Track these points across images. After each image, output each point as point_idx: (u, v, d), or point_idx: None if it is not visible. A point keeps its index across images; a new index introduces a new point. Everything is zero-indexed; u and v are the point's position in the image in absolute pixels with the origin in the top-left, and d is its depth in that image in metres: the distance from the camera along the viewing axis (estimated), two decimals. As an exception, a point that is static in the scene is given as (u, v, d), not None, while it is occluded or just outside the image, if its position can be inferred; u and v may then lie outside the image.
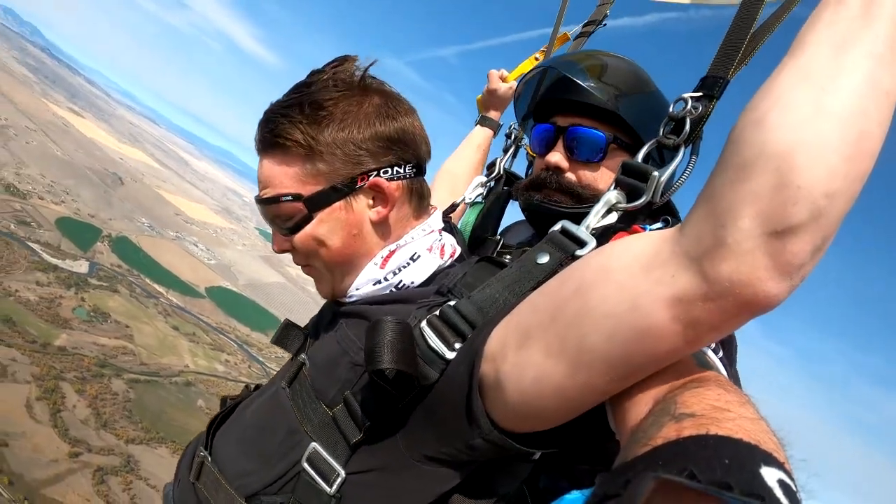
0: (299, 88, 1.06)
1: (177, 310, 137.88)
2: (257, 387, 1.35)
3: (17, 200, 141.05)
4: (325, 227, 1.07)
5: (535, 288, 0.88)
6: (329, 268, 1.13)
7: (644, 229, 1.12)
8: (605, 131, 1.33)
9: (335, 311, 1.18)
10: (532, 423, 0.83)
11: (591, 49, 1.64)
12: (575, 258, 0.91)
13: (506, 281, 0.93)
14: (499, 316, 0.86)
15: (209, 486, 1.11)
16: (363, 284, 1.10)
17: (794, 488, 0.42)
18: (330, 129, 1.02)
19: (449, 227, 1.28)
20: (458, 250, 1.22)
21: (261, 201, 1.09)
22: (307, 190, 1.05)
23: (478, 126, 2.04)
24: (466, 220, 1.74)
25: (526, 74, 1.55)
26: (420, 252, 1.11)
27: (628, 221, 1.09)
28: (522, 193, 1.46)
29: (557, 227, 0.98)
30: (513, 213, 1.77)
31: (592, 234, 0.96)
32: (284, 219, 1.08)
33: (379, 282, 1.09)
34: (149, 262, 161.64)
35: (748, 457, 0.44)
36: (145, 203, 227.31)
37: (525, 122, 1.67)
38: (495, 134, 2.04)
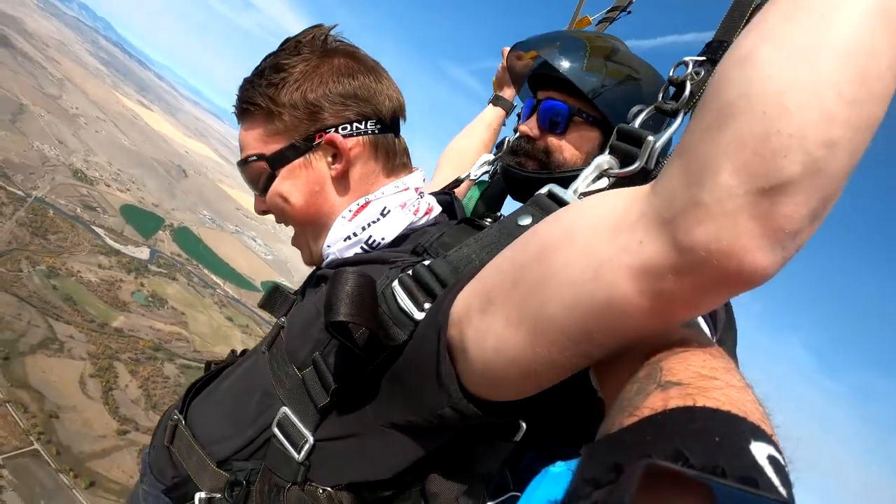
0: (266, 57, 1.21)
1: (232, 301, 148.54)
2: (244, 352, 1.44)
3: (84, 186, 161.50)
4: (288, 183, 1.21)
5: None
6: (301, 228, 1.28)
7: None
8: (572, 103, 1.54)
9: (318, 274, 1.29)
10: (500, 392, 0.85)
11: (591, 32, 1.83)
12: None
13: (483, 241, 0.97)
14: (467, 277, 0.88)
15: (182, 449, 1.21)
16: (334, 241, 1.20)
17: (782, 463, 0.44)
18: (286, 89, 1.15)
19: (450, 198, 1.40)
20: (437, 210, 1.30)
21: (238, 164, 1.26)
22: (269, 149, 1.19)
23: (490, 105, 2.27)
24: (471, 195, 1.96)
25: (524, 49, 1.77)
26: (390, 207, 1.19)
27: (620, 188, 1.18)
28: (503, 160, 1.68)
29: (544, 190, 1.03)
30: None
31: (580, 198, 1.01)
32: (255, 179, 1.25)
33: (349, 237, 1.18)
34: (208, 254, 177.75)
35: (736, 431, 0.46)
36: (207, 196, 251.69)
37: (518, 93, 1.98)
38: (508, 114, 2.24)
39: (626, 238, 0.63)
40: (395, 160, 1.25)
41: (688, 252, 0.57)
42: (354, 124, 1.17)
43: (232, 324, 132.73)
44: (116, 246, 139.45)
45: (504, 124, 2.26)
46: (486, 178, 1.99)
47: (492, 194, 1.89)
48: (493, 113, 2.25)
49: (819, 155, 0.53)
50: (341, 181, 1.21)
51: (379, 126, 1.20)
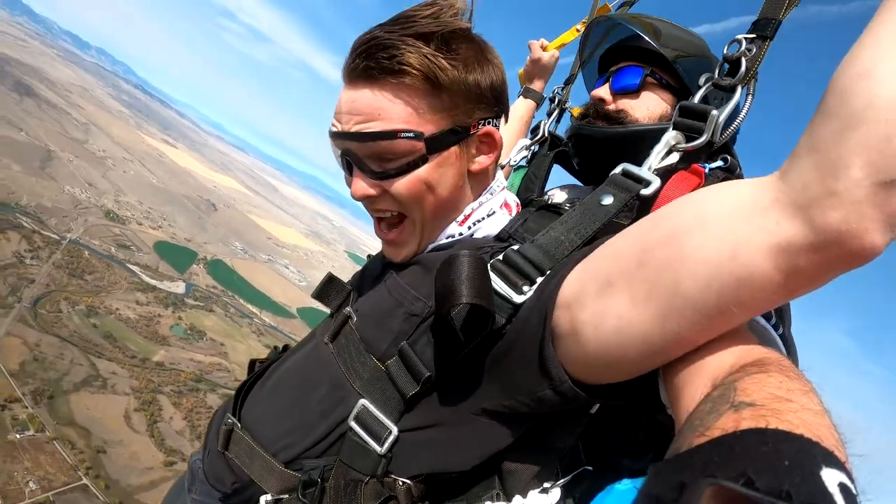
0: (415, 19, 1.09)
1: (269, 329, 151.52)
2: (286, 348, 1.47)
3: (116, 226, 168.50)
4: (439, 172, 1.14)
5: (600, 229, 0.99)
6: (425, 221, 1.20)
7: (704, 167, 1.26)
8: (645, 67, 1.63)
9: (385, 262, 1.29)
10: (607, 374, 0.89)
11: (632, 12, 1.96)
12: (640, 197, 1.04)
13: (569, 223, 1.02)
14: (572, 261, 0.94)
15: (242, 454, 1.19)
16: (444, 238, 1.22)
17: (853, 491, 0.45)
18: (457, 68, 1.10)
19: None
20: (519, 205, 1.38)
21: (363, 136, 1.11)
22: (427, 129, 1.11)
23: (520, 97, 2.35)
24: (511, 182, 2.03)
25: (591, 25, 1.89)
26: (495, 208, 1.26)
27: (688, 162, 1.23)
28: (572, 125, 1.76)
29: (618, 169, 1.10)
30: (557, 176, 1.94)
31: (655, 174, 1.09)
32: (392, 158, 1.12)
33: (452, 236, 1.22)
34: (242, 284, 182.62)
35: (808, 456, 0.47)
36: (238, 227, 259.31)
37: (571, 83, 2.15)
38: (538, 106, 2.33)
39: (761, 220, 0.72)
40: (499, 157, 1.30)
41: (823, 232, 0.68)
42: (494, 119, 1.20)
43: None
44: (152, 282, 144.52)
45: (534, 115, 2.37)
46: (523, 163, 2.10)
47: (532, 175, 1.96)
48: (524, 105, 2.33)
49: None
50: (479, 176, 1.22)
51: (506, 120, 1.26)
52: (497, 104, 1.20)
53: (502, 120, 1.24)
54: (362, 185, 1.17)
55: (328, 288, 1.38)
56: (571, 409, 0.96)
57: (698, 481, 0.43)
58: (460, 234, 1.21)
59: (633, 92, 1.64)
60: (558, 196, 1.79)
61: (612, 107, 1.66)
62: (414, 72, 1.07)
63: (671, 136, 1.19)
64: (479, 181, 1.24)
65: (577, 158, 1.76)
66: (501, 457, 1.07)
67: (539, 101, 2.34)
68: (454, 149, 1.15)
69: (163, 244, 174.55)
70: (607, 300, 0.84)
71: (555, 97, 2.31)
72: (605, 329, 0.84)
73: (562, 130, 2.19)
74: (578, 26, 2.32)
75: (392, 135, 1.09)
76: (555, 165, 1.94)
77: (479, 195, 1.25)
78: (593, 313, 0.85)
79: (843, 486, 0.45)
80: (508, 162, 1.99)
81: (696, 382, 0.76)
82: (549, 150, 1.96)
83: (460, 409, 1.02)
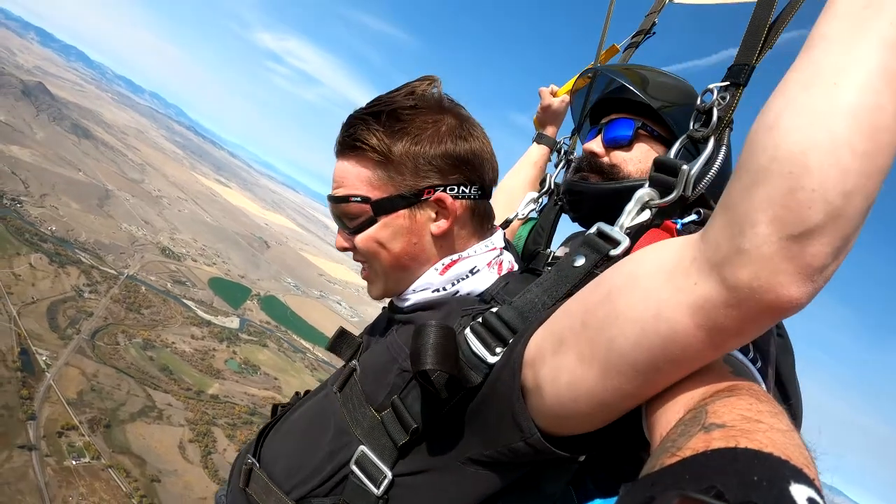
0: (381, 99, 1.36)
1: (322, 363, 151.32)
2: (307, 393, 1.63)
3: (172, 262, 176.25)
4: (388, 231, 1.34)
5: (572, 290, 1.08)
6: (385, 271, 1.40)
7: (676, 223, 1.35)
8: (636, 120, 1.72)
9: (389, 317, 1.47)
10: (570, 426, 1.01)
11: (638, 63, 2.05)
12: (609, 258, 1.11)
13: (544, 285, 1.15)
14: (537, 322, 1.07)
15: (259, 491, 1.36)
16: (420, 288, 1.36)
17: None
18: (404, 141, 1.29)
19: (504, 242, 1.53)
20: (515, 268, 1.48)
21: (331, 199, 1.38)
22: (375, 194, 1.32)
23: (534, 143, 2.51)
24: (520, 234, 2.18)
25: (575, 85, 2.05)
26: (479, 266, 1.36)
27: (662, 217, 1.29)
28: (565, 181, 1.86)
29: (593, 229, 1.19)
30: (565, 227, 2.04)
31: (626, 233, 1.17)
32: (350, 218, 1.37)
33: (437, 290, 1.35)
34: (295, 319, 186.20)
35: (777, 473, 0.51)
36: (290, 264, 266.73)
37: (578, 133, 2.18)
38: (552, 150, 2.47)
39: (681, 280, 0.80)
40: (486, 224, 1.43)
41: (735, 289, 0.74)
42: (461, 187, 1.33)
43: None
44: (207, 317, 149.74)
45: (550, 159, 2.49)
46: (533, 214, 2.19)
47: (540, 227, 2.07)
48: (538, 151, 2.47)
49: (838, 204, 0.69)
50: (441, 239, 1.36)
51: (480, 192, 1.38)
52: (456, 171, 1.32)
53: (471, 188, 1.35)
54: (339, 238, 1.44)
55: (340, 341, 1.56)
56: (554, 458, 1.06)
57: (667, 493, 0.46)
58: (443, 287, 1.35)
59: (626, 145, 1.73)
60: (562, 251, 1.90)
61: (605, 160, 1.74)
62: (366, 146, 1.30)
63: (644, 193, 1.25)
64: (448, 244, 1.37)
65: (572, 213, 1.87)
66: (495, 501, 1.19)
67: (552, 146, 2.46)
68: (403, 212, 1.33)
69: (217, 280, 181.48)
70: (560, 358, 0.95)
71: (560, 147, 2.40)
72: (560, 385, 0.95)
73: None
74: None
75: (345, 199, 1.34)
76: (563, 215, 2.04)
77: (450, 252, 1.38)
78: (550, 369, 0.97)
79: (812, 501, 0.48)
80: (517, 215, 2.05)
81: (671, 411, 0.83)
82: (555, 202, 2.07)
83: (447, 457, 1.17)
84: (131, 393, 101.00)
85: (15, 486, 68.71)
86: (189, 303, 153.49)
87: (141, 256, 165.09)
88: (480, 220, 1.41)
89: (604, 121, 1.82)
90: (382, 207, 1.33)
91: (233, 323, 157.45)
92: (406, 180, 1.32)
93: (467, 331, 1.14)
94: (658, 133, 1.71)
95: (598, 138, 1.78)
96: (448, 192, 1.32)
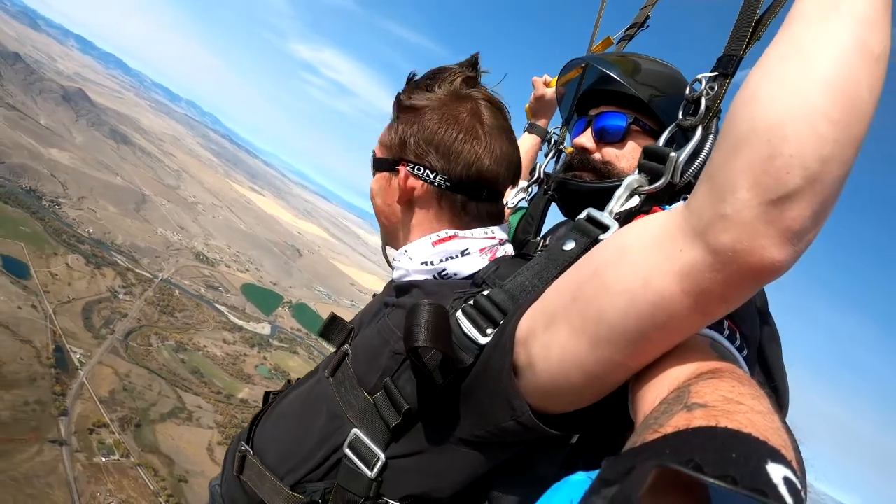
0: (425, 74, 1.52)
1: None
2: (298, 380, 1.67)
3: (206, 267, 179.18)
4: (376, 185, 1.54)
5: (561, 273, 1.10)
6: (377, 219, 1.58)
7: (664, 209, 1.34)
8: (628, 114, 1.74)
9: (382, 302, 1.54)
10: (562, 402, 1.06)
11: (630, 52, 2.08)
12: (598, 242, 1.14)
13: (535, 269, 1.19)
14: (528, 302, 1.10)
15: (253, 478, 1.40)
16: (415, 256, 1.42)
17: (798, 486, 0.51)
18: (407, 116, 1.46)
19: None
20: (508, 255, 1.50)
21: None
22: (378, 153, 1.54)
23: (525, 133, 2.59)
24: (510, 223, 2.13)
25: (563, 74, 2.07)
26: (471, 250, 1.41)
27: (651, 203, 1.33)
28: (556, 177, 1.88)
29: (583, 214, 1.23)
30: (554, 216, 2.10)
31: (616, 219, 1.21)
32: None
33: (426, 262, 1.40)
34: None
35: (755, 451, 0.54)
36: (322, 273, 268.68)
37: (569, 124, 2.18)
38: (543, 140, 2.55)
39: (668, 249, 0.85)
40: (463, 218, 1.45)
41: (718, 254, 0.78)
42: (426, 171, 1.41)
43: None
44: (239, 322, 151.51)
45: (540, 149, 2.57)
46: (523, 203, 2.30)
47: (529, 216, 2.12)
48: (529, 140, 2.55)
49: (816, 169, 0.73)
50: (406, 209, 1.48)
51: (448, 183, 1.41)
52: (427, 156, 1.42)
53: (435, 176, 1.41)
54: None
55: (332, 327, 1.60)
56: (545, 436, 1.10)
57: (646, 464, 0.48)
58: (431, 261, 1.40)
59: (618, 141, 1.75)
60: (554, 237, 1.97)
61: (597, 156, 1.76)
62: (393, 111, 1.54)
63: (634, 180, 1.30)
64: (414, 215, 1.47)
65: (564, 209, 1.90)
66: (488, 485, 1.24)
67: (543, 135, 2.55)
68: (384, 174, 1.51)
69: (250, 287, 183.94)
70: (552, 334, 0.99)
71: (551, 137, 2.44)
72: (552, 359, 0.99)
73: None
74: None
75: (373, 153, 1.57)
76: (551, 204, 2.07)
77: (424, 230, 1.46)
78: (542, 345, 1.01)
79: (787, 480, 0.50)
80: (506, 204, 2.01)
81: (655, 391, 0.86)
82: (545, 192, 2.09)
83: (439, 438, 1.20)
84: (162, 394, 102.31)
85: (45, 480, 69.81)
86: (221, 308, 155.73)
87: (175, 261, 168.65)
88: (452, 211, 1.45)
89: (593, 112, 1.82)
90: (376, 164, 1.53)
91: (264, 329, 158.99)
92: (394, 150, 1.48)
93: (458, 313, 1.18)
94: (650, 127, 1.73)
95: (589, 132, 1.80)
96: (413, 170, 1.42)
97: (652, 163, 1.32)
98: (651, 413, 0.76)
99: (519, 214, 2.25)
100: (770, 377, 1.42)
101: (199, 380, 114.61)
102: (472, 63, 1.53)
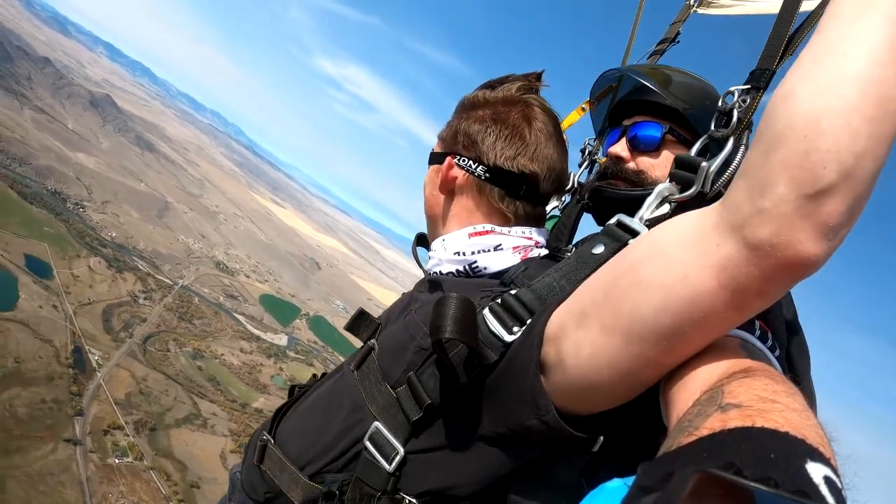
0: (490, 81, 1.63)
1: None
2: (324, 374, 1.70)
3: (226, 276, 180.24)
4: (428, 176, 1.65)
5: (590, 275, 1.12)
6: (425, 212, 1.67)
7: None
8: (663, 124, 1.75)
9: (410, 297, 1.59)
10: (592, 401, 1.06)
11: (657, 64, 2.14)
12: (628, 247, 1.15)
13: (563, 270, 1.21)
14: (558, 300, 1.12)
15: (273, 467, 1.44)
16: (450, 246, 1.50)
17: (839, 485, 0.51)
18: (461, 115, 1.58)
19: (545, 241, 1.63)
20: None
21: None
22: (436, 147, 1.66)
23: None
24: None
25: (600, 86, 2.07)
26: (504, 246, 1.46)
27: (681, 212, 1.34)
28: (591, 185, 1.88)
29: (613, 220, 1.25)
30: (587, 225, 2.12)
31: (646, 225, 1.23)
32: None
33: (459, 252, 1.47)
34: (342, 341, 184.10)
35: (793, 451, 0.53)
36: (340, 286, 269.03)
37: (603, 135, 2.15)
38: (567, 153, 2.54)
39: (705, 244, 0.87)
40: (502, 212, 1.51)
41: (756, 248, 0.80)
42: (469, 161, 1.51)
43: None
44: (257, 332, 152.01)
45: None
46: (556, 212, 2.34)
47: (562, 225, 2.18)
48: None
49: (850, 163, 0.76)
50: (448, 198, 1.57)
51: (488, 175, 1.49)
52: (472, 148, 1.52)
53: (476, 165, 1.51)
54: None
55: (359, 322, 1.62)
56: (568, 437, 1.10)
57: (685, 469, 0.47)
58: (464, 252, 1.47)
59: (653, 150, 1.77)
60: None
61: (631, 165, 1.77)
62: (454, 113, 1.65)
63: (665, 188, 1.34)
64: (455, 204, 1.56)
65: (598, 217, 1.90)
66: (507, 489, 1.25)
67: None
68: (435, 166, 1.60)
69: (268, 297, 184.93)
70: (583, 330, 1.00)
71: (585, 148, 2.45)
72: (583, 356, 1.00)
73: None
74: (584, 105, 2.49)
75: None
76: (584, 214, 2.13)
77: (463, 220, 1.54)
78: (573, 342, 1.02)
79: (827, 479, 0.50)
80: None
81: (688, 392, 0.87)
82: (577, 201, 2.15)
83: (460, 435, 1.21)
84: (178, 399, 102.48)
85: (57, 478, 69.96)
86: (240, 317, 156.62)
87: (196, 268, 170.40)
88: (490, 204, 1.51)
89: (627, 122, 1.85)
90: (431, 157, 1.65)
91: (281, 340, 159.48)
92: (447, 143, 1.59)
93: (485, 311, 1.19)
94: (684, 137, 1.75)
95: (623, 142, 1.81)
96: (458, 161, 1.52)
97: (683, 172, 1.36)
98: (685, 415, 0.76)
99: (551, 223, 2.28)
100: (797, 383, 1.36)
101: (215, 387, 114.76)
102: (537, 75, 1.62)
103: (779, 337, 1.25)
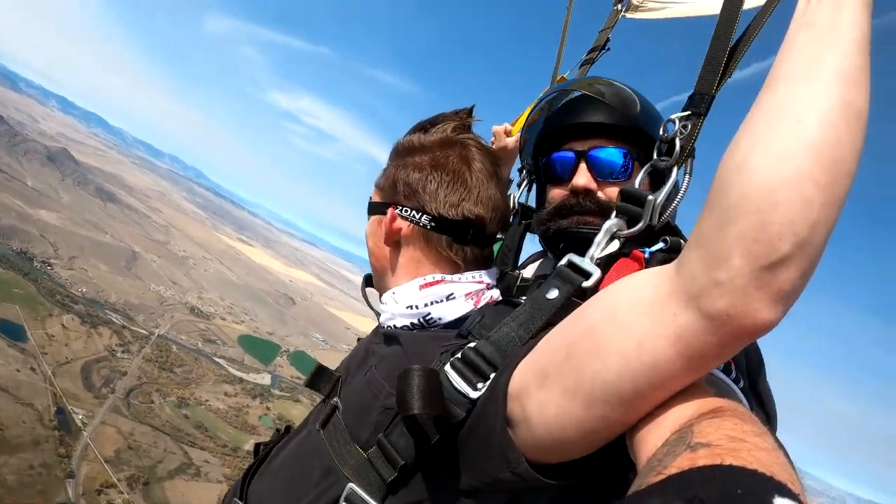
0: (421, 123, 1.63)
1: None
2: (287, 429, 1.70)
3: (201, 321, 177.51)
4: (369, 228, 1.64)
5: (547, 323, 1.15)
6: (370, 263, 1.66)
7: (644, 252, 1.41)
8: (627, 148, 1.68)
9: (366, 348, 1.57)
10: (559, 454, 1.07)
11: (595, 76, 2.05)
12: (581, 290, 1.18)
13: (520, 319, 1.21)
14: (519, 355, 1.13)
15: None
16: (401, 299, 1.47)
17: None
18: (396, 162, 1.58)
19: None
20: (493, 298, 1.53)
21: None
22: (374, 197, 1.65)
23: None
24: None
25: (540, 100, 1.95)
26: (457, 294, 1.46)
27: (631, 247, 1.34)
28: (546, 223, 1.77)
29: (564, 261, 1.26)
30: (530, 247, 2.10)
31: (597, 264, 1.23)
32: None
33: (412, 306, 1.45)
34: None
35: (761, 487, 0.54)
36: (317, 319, 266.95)
37: (535, 154, 2.00)
38: (508, 186, 2.44)
39: (660, 313, 0.88)
40: (450, 260, 1.51)
41: (713, 318, 0.82)
42: (412, 212, 1.49)
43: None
44: (239, 374, 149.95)
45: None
46: (498, 236, 2.17)
47: (506, 248, 2.10)
48: None
49: (805, 234, 0.78)
50: (394, 250, 1.55)
51: (433, 224, 1.48)
52: (413, 198, 1.50)
53: (420, 216, 1.49)
54: None
55: (318, 377, 1.60)
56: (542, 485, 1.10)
57: None
58: (417, 305, 1.44)
59: (624, 179, 1.67)
60: (528, 271, 1.99)
61: (601, 195, 1.67)
62: (389, 160, 1.65)
63: (613, 224, 1.32)
64: (402, 256, 1.54)
65: (556, 257, 1.76)
66: None
67: (507, 184, 2.33)
68: (376, 216, 1.59)
69: (247, 338, 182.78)
70: (545, 391, 1.01)
71: (524, 167, 2.34)
72: (548, 416, 1.01)
73: (532, 201, 2.31)
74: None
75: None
76: (527, 235, 2.07)
77: (410, 271, 1.52)
78: (537, 402, 1.03)
79: None
80: None
81: (657, 433, 0.88)
82: (520, 222, 2.07)
83: (436, 490, 1.22)
84: (168, 451, 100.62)
85: (57, 544, 68.08)
86: (220, 360, 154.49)
87: (171, 316, 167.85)
88: (438, 253, 1.50)
89: (581, 148, 1.73)
90: (371, 207, 1.63)
91: (264, 379, 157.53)
92: (386, 192, 1.57)
93: (447, 367, 1.19)
94: (645, 160, 1.59)
95: (586, 172, 1.70)
96: (401, 212, 1.50)
97: (629, 205, 1.34)
98: (654, 455, 0.78)
99: (496, 246, 2.15)
100: (761, 402, 1.42)
101: (204, 434, 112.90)
102: (468, 111, 1.62)
103: (741, 367, 1.25)
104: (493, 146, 2.47)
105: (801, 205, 0.77)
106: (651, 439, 0.88)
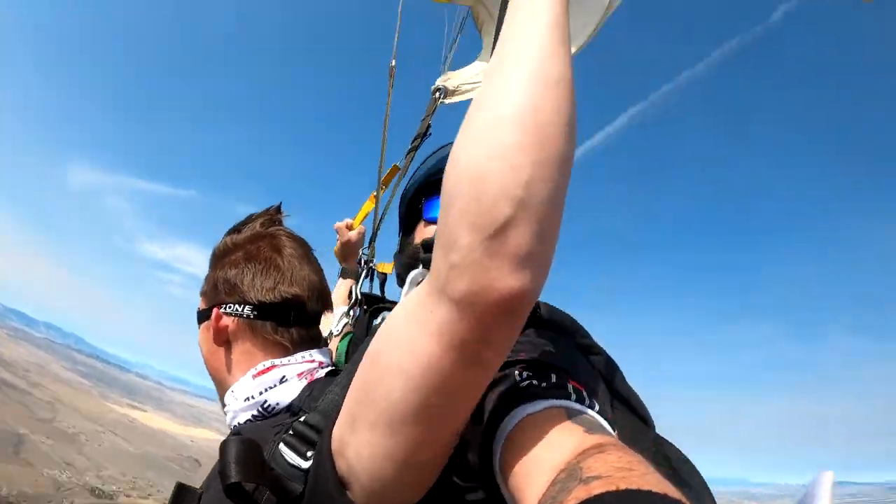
0: (235, 226, 1.73)
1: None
2: None
3: (105, 502, 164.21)
4: (201, 336, 1.66)
5: None
6: (209, 375, 1.69)
7: None
8: None
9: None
10: (394, 499, 1.06)
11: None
12: None
13: (342, 383, 1.24)
14: (334, 416, 1.13)
15: None
16: (239, 394, 1.49)
17: None
18: (216, 265, 1.66)
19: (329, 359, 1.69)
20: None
21: None
22: (200, 305, 1.69)
23: (340, 279, 2.85)
24: (339, 350, 2.33)
25: (423, 161, 2.11)
26: (289, 376, 1.50)
27: None
28: (424, 253, 1.73)
29: (378, 318, 1.33)
30: None
31: None
32: None
33: (248, 398, 1.47)
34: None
35: (661, 502, 0.57)
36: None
37: (413, 199, 2.08)
38: (357, 280, 2.64)
39: (421, 314, 0.91)
40: (278, 345, 1.57)
41: (460, 301, 0.83)
42: (234, 306, 1.56)
43: None
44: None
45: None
46: (349, 328, 2.35)
47: (356, 338, 2.16)
48: (344, 285, 2.78)
49: (521, 194, 0.80)
50: (226, 350, 1.59)
51: (256, 312, 1.55)
52: (233, 293, 1.58)
53: (244, 308, 1.56)
54: None
55: (180, 497, 1.56)
56: None
57: None
58: (252, 395, 1.47)
59: None
60: None
61: None
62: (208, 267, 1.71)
63: (417, 274, 1.36)
64: (234, 353, 1.58)
65: None
66: None
67: (356, 275, 2.68)
68: (206, 323, 1.62)
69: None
70: (356, 435, 1.02)
71: (360, 258, 2.62)
72: (364, 459, 1.01)
73: (374, 288, 2.57)
74: (375, 192, 2.70)
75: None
76: (374, 322, 2.07)
77: (245, 365, 1.55)
78: (353, 449, 1.03)
79: None
80: (331, 333, 2.21)
81: (540, 478, 0.85)
82: (365, 311, 2.16)
83: None
84: None
85: None
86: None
87: (70, 502, 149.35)
88: (265, 339, 1.56)
89: (420, 206, 1.85)
90: (199, 316, 1.66)
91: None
92: (209, 297, 1.63)
93: (281, 445, 1.20)
94: None
95: (422, 226, 1.83)
96: (224, 309, 1.56)
97: (430, 255, 1.36)
98: (546, 494, 0.78)
99: (347, 339, 2.31)
100: (632, 408, 1.39)
101: None
102: (276, 208, 1.73)
103: (594, 389, 1.25)
104: (339, 242, 2.78)
105: (507, 170, 0.80)
106: (534, 482, 0.87)
